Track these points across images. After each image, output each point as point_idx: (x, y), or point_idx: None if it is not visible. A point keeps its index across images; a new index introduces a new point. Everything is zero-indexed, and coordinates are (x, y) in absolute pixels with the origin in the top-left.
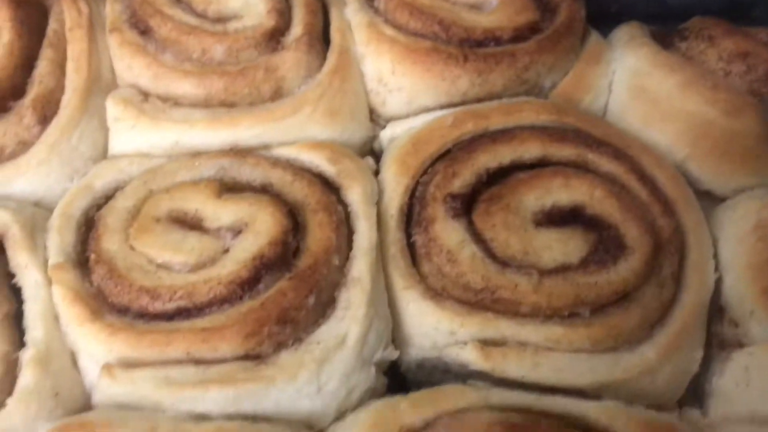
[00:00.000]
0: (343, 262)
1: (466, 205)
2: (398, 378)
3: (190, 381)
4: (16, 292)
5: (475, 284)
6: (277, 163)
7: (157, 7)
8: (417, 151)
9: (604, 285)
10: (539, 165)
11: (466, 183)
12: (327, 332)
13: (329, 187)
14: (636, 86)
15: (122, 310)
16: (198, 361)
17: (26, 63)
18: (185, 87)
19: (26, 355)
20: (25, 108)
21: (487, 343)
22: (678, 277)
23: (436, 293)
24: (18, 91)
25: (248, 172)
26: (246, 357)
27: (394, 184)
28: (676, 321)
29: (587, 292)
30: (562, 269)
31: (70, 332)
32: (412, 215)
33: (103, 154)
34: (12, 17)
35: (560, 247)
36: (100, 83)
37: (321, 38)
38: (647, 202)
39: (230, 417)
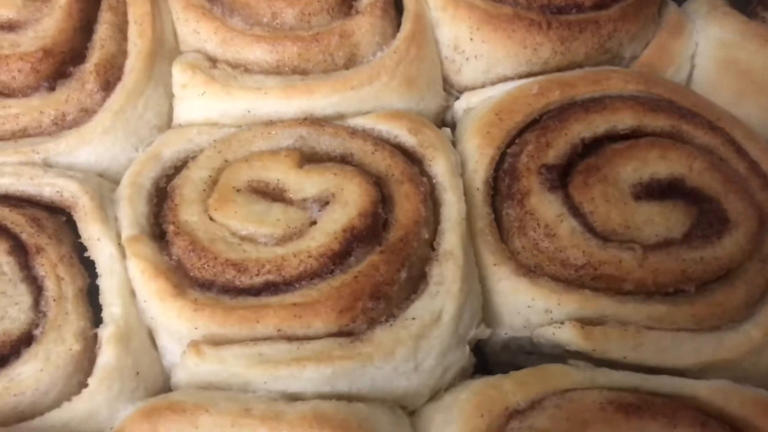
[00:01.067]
0: (432, 235)
1: (561, 177)
2: (480, 360)
3: (284, 358)
4: (87, 266)
5: (576, 260)
6: (356, 132)
7: None
8: (501, 121)
9: (710, 260)
10: (632, 136)
11: (561, 153)
12: (421, 308)
13: (411, 158)
14: (726, 58)
15: (205, 285)
16: (290, 338)
17: (85, 26)
18: (257, 53)
19: (105, 333)
20: (88, 73)
21: (584, 323)
22: None
23: (529, 270)
24: (78, 55)
25: (327, 142)
26: (339, 333)
27: (478, 156)
28: None
29: (693, 268)
30: (665, 244)
31: (150, 308)
32: (498, 188)
33: (168, 123)
34: None
35: (662, 220)
36: (164, 48)
37: (393, 2)
38: (746, 176)
39: (324, 396)
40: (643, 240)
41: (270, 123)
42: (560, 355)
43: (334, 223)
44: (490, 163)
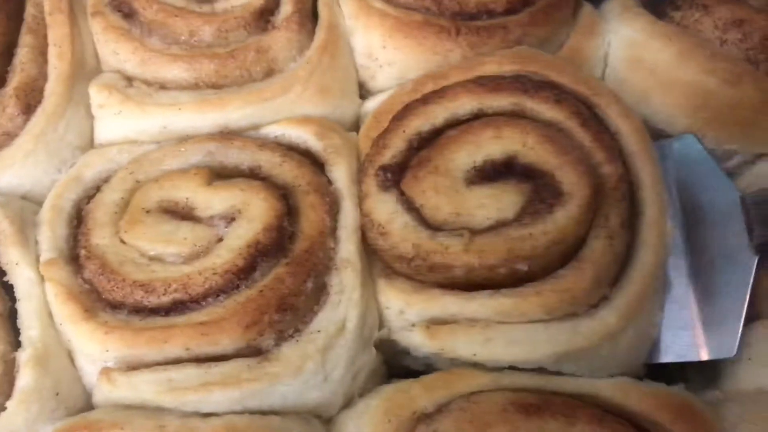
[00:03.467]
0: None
1: (398, 176)
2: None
3: (192, 384)
4: (7, 290)
5: (406, 253)
6: (264, 144)
7: None
8: (379, 123)
9: (538, 235)
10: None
11: (398, 151)
12: (326, 319)
13: (317, 164)
14: (633, 57)
15: (117, 306)
16: (198, 358)
17: (5, 50)
18: (174, 71)
19: (24, 355)
20: (8, 97)
21: (435, 323)
22: (633, 234)
23: (390, 271)
24: None
25: (236, 156)
26: (247, 349)
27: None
28: (635, 281)
29: (521, 245)
30: (497, 226)
31: (65, 331)
32: None
33: (90, 143)
34: None
35: (493, 203)
36: (85, 69)
37: (310, 15)
38: (590, 148)
39: (238, 413)
40: (476, 225)
41: (181, 140)
42: (424, 357)
43: (238, 239)
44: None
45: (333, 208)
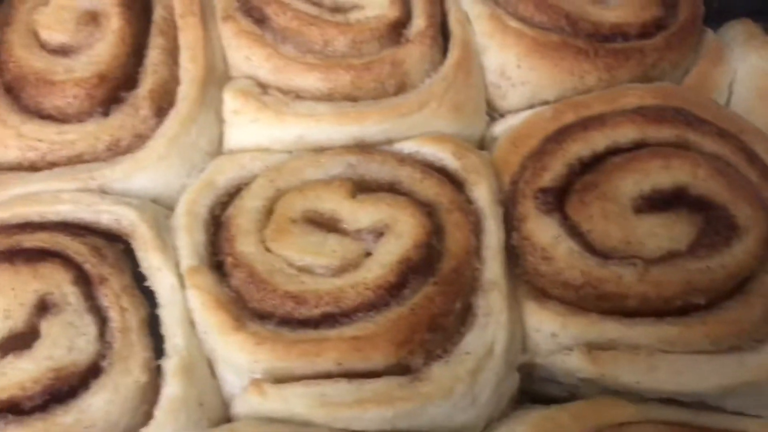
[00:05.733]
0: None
1: (559, 199)
2: None
3: (346, 400)
4: (146, 296)
5: (574, 280)
6: (404, 160)
7: None
8: (517, 148)
9: (717, 269)
10: (637, 149)
11: (558, 175)
12: (474, 341)
13: (455, 183)
14: (764, 86)
15: (264, 317)
16: (348, 374)
17: (137, 51)
18: (309, 80)
19: (170, 364)
20: (141, 99)
21: (594, 348)
22: None
23: (541, 294)
24: (129, 80)
25: (376, 170)
26: (397, 367)
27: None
28: None
29: (699, 278)
30: (670, 257)
31: (209, 340)
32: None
33: (218, 149)
34: (119, 2)
35: (665, 232)
36: (215, 74)
37: (440, 30)
38: (758, 184)
39: None
40: (647, 254)
41: (319, 151)
42: (576, 384)
43: (389, 254)
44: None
45: (476, 227)
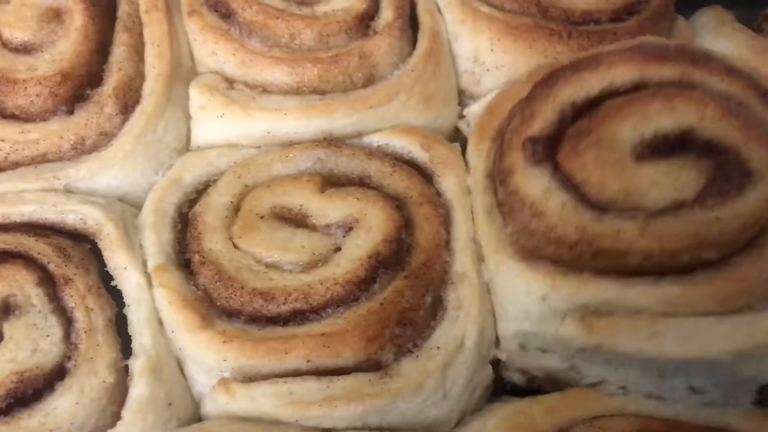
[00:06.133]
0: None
1: (550, 149)
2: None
3: (316, 398)
4: (113, 295)
5: (567, 237)
6: (373, 153)
7: None
8: (492, 114)
9: (728, 219)
10: (636, 91)
11: (548, 122)
12: (444, 335)
13: (423, 175)
14: None
15: (232, 314)
16: (318, 370)
17: (100, 48)
18: (276, 74)
19: (137, 364)
20: (106, 96)
21: (590, 313)
22: None
23: (530, 254)
24: (95, 78)
25: (345, 164)
26: (367, 363)
27: (477, 153)
28: None
29: (709, 230)
30: (675, 208)
31: (178, 339)
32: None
33: (186, 145)
34: None
35: (669, 181)
36: (181, 69)
37: (409, 21)
38: None
39: (358, 429)
40: (649, 206)
41: (288, 146)
42: (573, 354)
43: (358, 249)
44: (488, 156)
45: (446, 220)
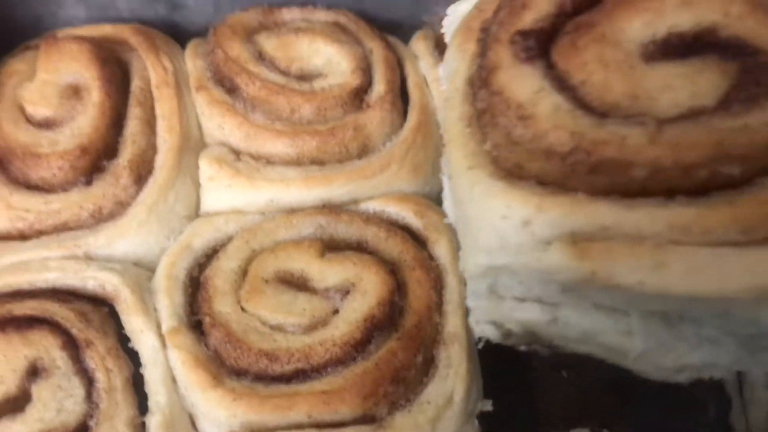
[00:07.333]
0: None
1: (544, 46)
2: None
3: None
4: (130, 356)
5: (561, 146)
6: (369, 219)
7: (242, 65)
8: (482, 12)
9: (759, 127)
10: None
11: (543, 14)
12: (435, 391)
13: (417, 240)
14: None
15: (240, 373)
16: (319, 424)
17: (116, 122)
18: (278, 146)
19: (153, 421)
20: (122, 168)
21: (582, 239)
22: None
23: (511, 172)
24: (110, 149)
25: (344, 230)
26: (363, 417)
27: (460, 56)
28: None
29: (734, 138)
30: (692, 115)
31: (190, 396)
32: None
33: (195, 212)
34: (100, 76)
35: (686, 85)
36: (190, 141)
37: (399, 94)
38: None
39: None
40: (660, 112)
41: (291, 212)
42: (560, 297)
43: (354, 312)
44: (472, 59)
45: (438, 283)
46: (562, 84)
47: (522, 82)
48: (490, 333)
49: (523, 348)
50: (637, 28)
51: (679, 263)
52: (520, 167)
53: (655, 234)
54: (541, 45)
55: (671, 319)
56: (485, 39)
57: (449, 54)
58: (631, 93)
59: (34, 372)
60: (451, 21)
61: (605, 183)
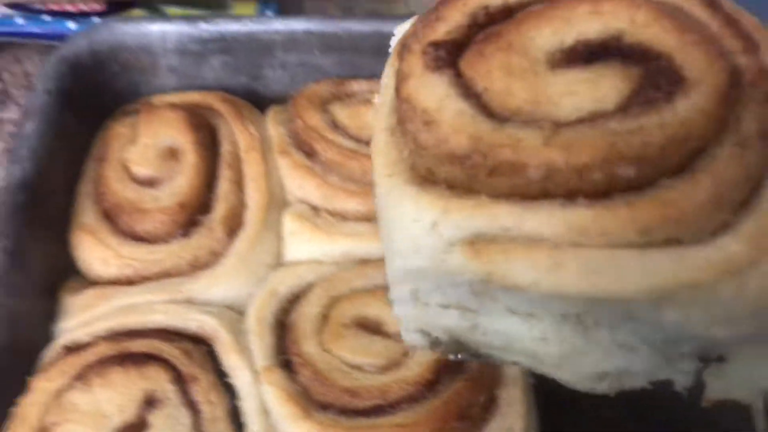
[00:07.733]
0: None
1: (455, 56)
2: None
3: None
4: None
5: (460, 149)
6: None
7: (320, 132)
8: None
9: (653, 129)
10: None
11: (456, 26)
12: (495, 427)
13: None
14: None
15: (326, 407)
16: None
17: (209, 181)
18: (351, 204)
19: None
20: (216, 223)
21: (483, 240)
22: None
23: (425, 178)
24: (204, 205)
25: None
26: None
27: (391, 71)
28: None
29: (628, 140)
30: (591, 119)
31: (282, 427)
32: None
33: (277, 261)
34: (194, 140)
35: (588, 90)
36: (275, 199)
37: None
38: (719, 34)
39: None
40: (562, 117)
41: (364, 263)
42: (468, 305)
43: (425, 355)
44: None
45: None
46: (467, 91)
47: (429, 90)
48: (419, 341)
49: (451, 357)
50: (546, 36)
51: (575, 264)
52: (432, 173)
53: (555, 235)
54: (451, 55)
55: (586, 325)
56: (401, 50)
57: (384, 71)
58: (533, 99)
59: (149, 402)
60: (396, 40)
61: (506, 185)
